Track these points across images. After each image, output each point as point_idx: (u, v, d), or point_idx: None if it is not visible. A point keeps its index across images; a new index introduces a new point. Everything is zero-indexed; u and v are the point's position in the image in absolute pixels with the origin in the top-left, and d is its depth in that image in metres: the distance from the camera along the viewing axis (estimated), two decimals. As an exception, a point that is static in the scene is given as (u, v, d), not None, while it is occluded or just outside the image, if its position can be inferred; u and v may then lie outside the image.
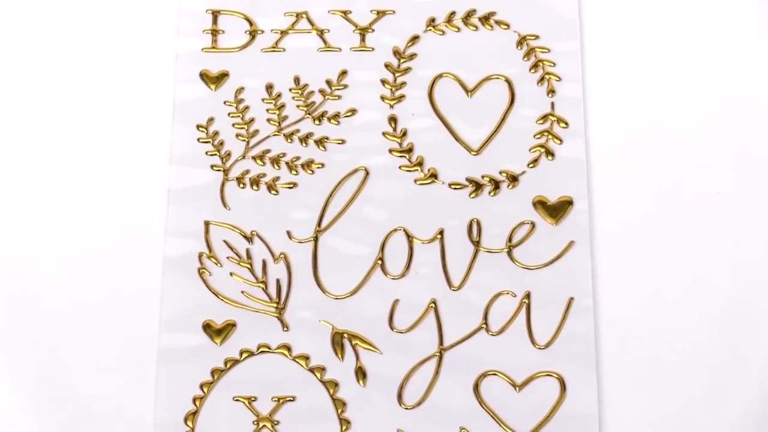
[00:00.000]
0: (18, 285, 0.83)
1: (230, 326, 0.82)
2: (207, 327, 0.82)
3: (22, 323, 0.82)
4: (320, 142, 0.86)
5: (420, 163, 0.85)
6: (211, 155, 0.86)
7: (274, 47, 0.87)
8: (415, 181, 0.85)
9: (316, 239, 0.84)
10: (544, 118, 0.86)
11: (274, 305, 0.82)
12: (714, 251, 0.83)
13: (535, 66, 0.87)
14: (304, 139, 0.86)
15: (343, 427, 0.80)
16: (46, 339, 0.82)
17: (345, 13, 0.88)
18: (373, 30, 0.88)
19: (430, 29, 0.87)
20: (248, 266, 0.83)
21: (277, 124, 0.86)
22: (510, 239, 0.83)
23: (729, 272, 0.82)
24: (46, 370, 0.81)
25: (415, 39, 0.87)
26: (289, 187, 0.85)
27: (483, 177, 0.85)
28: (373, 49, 0.87)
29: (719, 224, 0.83)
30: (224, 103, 0.87)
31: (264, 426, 0.80)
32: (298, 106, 0.86)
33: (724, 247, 0.83)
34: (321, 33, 0.88)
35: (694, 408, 0.80)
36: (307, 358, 0.81)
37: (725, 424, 0.80)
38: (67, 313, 0.82)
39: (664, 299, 0.82)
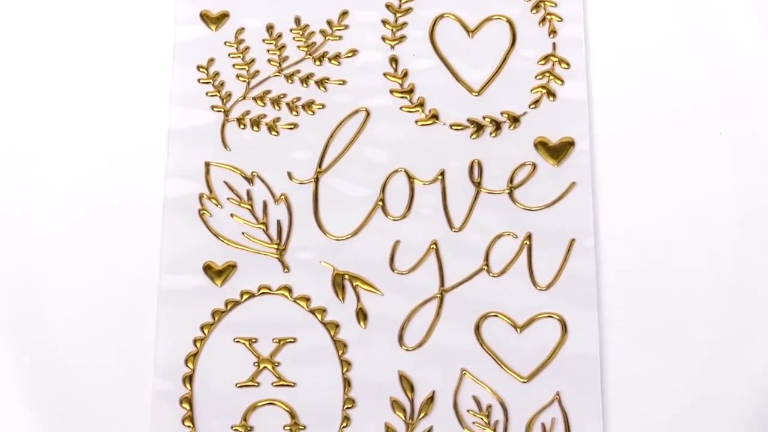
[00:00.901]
0: (16, 224, 0.81)
1: (231, 267, 0.80)
2: (208, 268, 0.80)
3: (20, 265, 0.81)
4: (321, 83, 0.84)
5: (421, 104, 0.83)
6: (212, 96, 0.84)
7: (274, -13, 0.86)
8: (416, 122, 0.83)
9: (316, 180, 0.82)
10: (546, 58, 0.84)
11: (275, 246, 0.81)
12: (716, 189, 0.81)
13: (536, 6, 0.85)
14: (304, 80, 0.84)
15: (344, 369, 0.78)
16: (45, 279, 0.80)
17: None
18: None
19: (431, -31, 0.85)
20: (249, 207, 0.82)
21: (277, 64, 0.84)
22: (511, 180, 0.82)
23: (732, 210, 0.81)
24: (46, 311, 0.80)
25: (416, -21, 0.85)
26: (290, 128, 0.83)
27: (484, 118, 0.83)
28: None
29: (721, 163, 0.82)
30: (225, 43, 0.85)
31: (265, 367, 0.78)
32: (298, 47, 0.84)
33: (726, 185, 0.81)
34: (321, -27, 0.86)
35: (696, 347, 0.79)
36: (307, 299, 0.80)
37: (731, 362, 0.79)
38: (66, 253, 0.81)
39: (665, 239, 0.80)
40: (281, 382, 0.78)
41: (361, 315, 0.79)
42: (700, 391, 0.78)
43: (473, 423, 0.77)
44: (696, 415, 0.78)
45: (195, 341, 0.79)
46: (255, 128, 0.83)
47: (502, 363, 0.78)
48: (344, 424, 0.78)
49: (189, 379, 0.78)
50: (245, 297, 0.80)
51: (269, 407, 0.78)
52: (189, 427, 0.77)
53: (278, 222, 0.81)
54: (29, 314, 0.80)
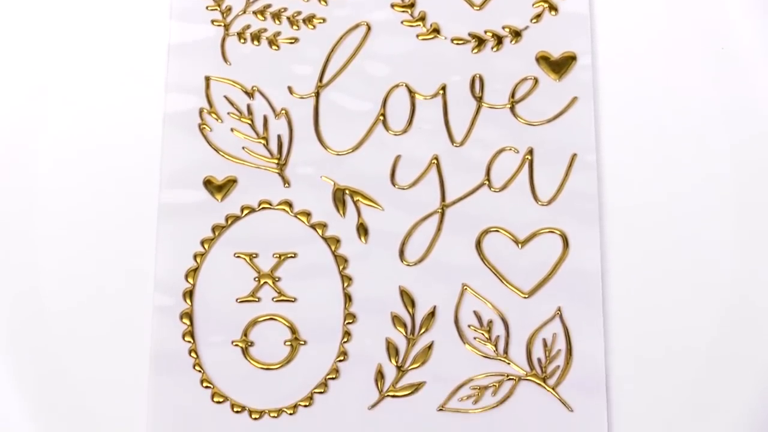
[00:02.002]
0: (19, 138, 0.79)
1: (231, 182, 0.78)
2: (208, 183, 0.78)
3: (18, 180, 0.79)
4: None
5: (422, 18, 0.81)
6: (212, 10, 0.81)
7: None
8: (417, 36, 0.80)
9: (317, 95, 0.80)
10: None
11: (275, 161, 0.79)
12: (720, 108, 0.79)
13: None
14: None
15: (345, 284, 0.76)
16: (44, 194, 0.78)
17: None
18: None
19: None
20: (249, 122, 0.80)
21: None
22: (513, 95, 0.80)
23: (734, 131, 0.79)
24: (44, 225, 0.78)
25: None
26: (291, 42, 0.81)
27: (486, 32, 0.80)
28: None
29: (726, 78, 0.79)
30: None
31: (265, 282, 0.76)
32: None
33: (731, 105, 0.79)
34: None
35: (697, 264, 0.77)
36: (308, 214, 0.78)
37: (730, 286, 0.77)
38: (66, 168, 0.79)
39: (668, 155, 0.78)
40: (282, 298, 0.76)
41: (362, 230, 0.77)
42: (702, 305, 0.76)
43: (474, 338, 0.76)
44: (698, 331, 0.76)
45: (195, 256, 0.77)
46: (255, 42, 0.80)
47: (503, 278, 0.76)
48: (345, 339, 0.76)
49: (189, 294, 0.76)
50: (245, 212, 0.78)
51: (270, 322, 0.76)
52: (189, 342, 0.76)
53: (279, 137, 0.79)
54: (26, 230, 0.78)
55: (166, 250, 0.77)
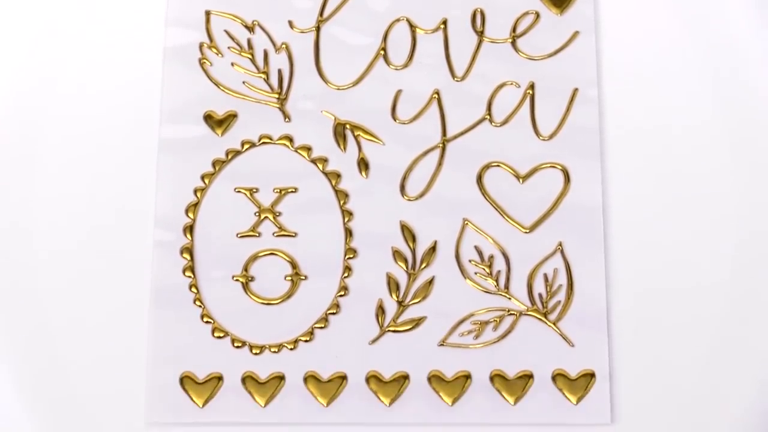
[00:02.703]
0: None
1: (231, 117, 0.77)
2: (208, 117, 0.77)
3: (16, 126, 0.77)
4: None
5: None
6: None
7: None
8: None
9: (317, 29, 0.78)
10: None
11: (276, 95, 0.77)
12: (728, 41, 0.78)
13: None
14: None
15: (345, 219, 0.75)
16: (45, 127, 0.77)
17: None
18: None
19: None
20: (249, 56, 0.78)
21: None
22: (514, 29, 0.78)
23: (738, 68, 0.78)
24: (44, 158, 0.77)
25: None
26: None
27: None
28: None
29: (734, 13, 0.78)
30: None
31: (265, 217, 0.75)
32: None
33: (735, 43, 0.78)
34: None
35: (698, 198, 0.76)
36: (309, 149, 0.76)
37: (735, 220, 0.76)
38: (65, 101, 0.77)
39: (670, 87, 0.77)
40: (282, 232, 0.75)
41: (363, 165, 0.76)
42: (705, 239, 0.75)
43: (475, 273, 0.74)
44: (700, 265, 0.75)
45: (195, 191, 0.76)
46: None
47: (504, 213, 0.75)
48: (345, 274, 0.75)
49: (189, 229, 0.75)
50: (246, 146, 0.77)
51: (270, 257, 0.75)
52: (189, 277, 0.74)
53: (279, 71, 0.78)
54: (25, 164, 0.77)
55: (166, 185, 0.76)
